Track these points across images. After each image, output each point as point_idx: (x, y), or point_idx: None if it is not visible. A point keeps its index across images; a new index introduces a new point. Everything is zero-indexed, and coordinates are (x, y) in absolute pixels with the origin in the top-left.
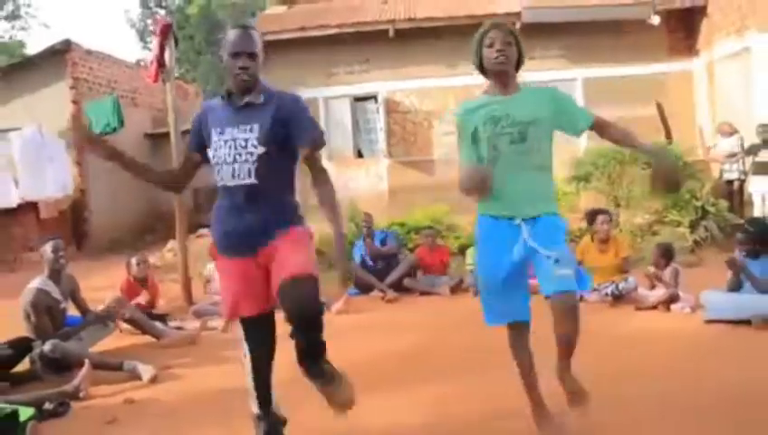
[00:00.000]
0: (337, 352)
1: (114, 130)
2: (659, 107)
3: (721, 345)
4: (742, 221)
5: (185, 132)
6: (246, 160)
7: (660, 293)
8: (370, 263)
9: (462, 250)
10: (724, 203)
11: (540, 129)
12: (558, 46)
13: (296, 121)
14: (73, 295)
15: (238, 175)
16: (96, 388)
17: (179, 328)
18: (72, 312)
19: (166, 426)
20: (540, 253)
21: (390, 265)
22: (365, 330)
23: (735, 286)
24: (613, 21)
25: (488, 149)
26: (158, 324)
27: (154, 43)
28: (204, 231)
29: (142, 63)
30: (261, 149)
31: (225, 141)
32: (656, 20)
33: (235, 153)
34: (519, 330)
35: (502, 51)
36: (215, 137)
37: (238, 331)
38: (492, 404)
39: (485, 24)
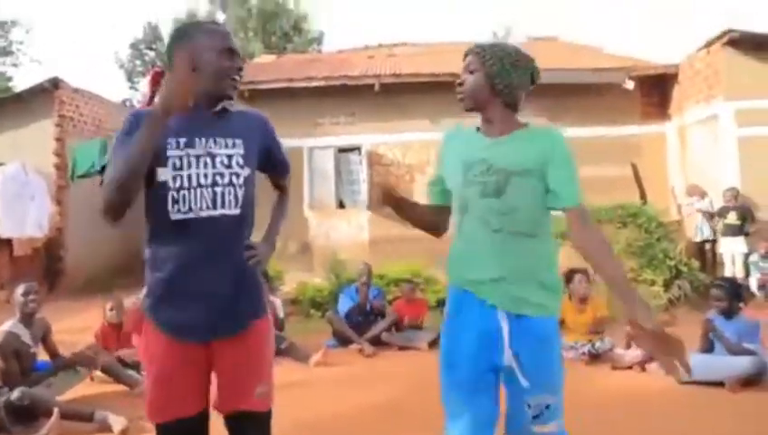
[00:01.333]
0: (315, 405)
1: (99, 172)
2: (634, 168)
3: (696, 406)
4: (714, 281)
5: None
6: (231, 183)
7: (636, 353)
8: (357, 317)
9: (440, 304)
10: (696, 263)
11: (526, 182)
12: (536, 106)
13: (277, 147)
14: (44, 339)
15: (220, 203)
16: None
17: None
18: (43, 356)
19: None
20: (518, 384)
21: (370, 320)
22: (343, 383)
23: (706, 348)
24: (591, 84)
25: (456, 198)
26: (132, 373)
27: (146, 88)
28: None
29: (128, 104)
30: (246, 171)
31: (198, 157)
32: (630, 85)
33: (214, 173)
34: None
35: (459, 83)
36: (172, 151)
37: None
38: None
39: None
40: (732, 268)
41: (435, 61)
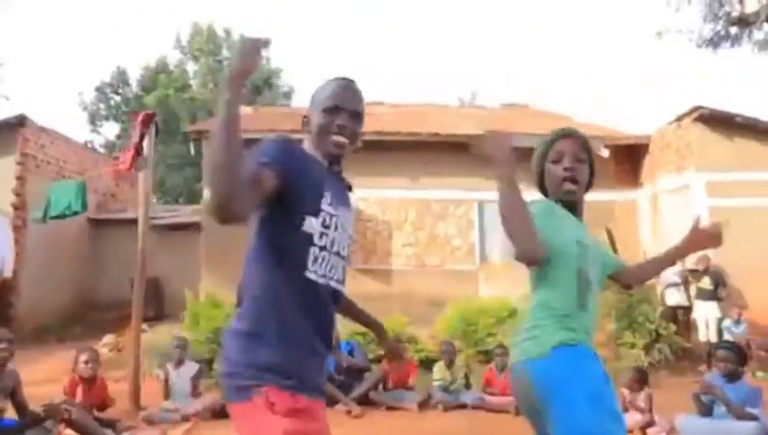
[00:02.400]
0: None
1: (75, 213)
2: (609, 232)
3: None
4: (689, 345)
5: (128, 221)
6: (345, 258)
7: (637, 418)
8: (336, 376)
9: (424, 364)
10: (673, 327)
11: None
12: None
13: None
14: (14, 393)
15: (336, 277)
16: None
17: None
18: (9, 413)
19: None
20: None
21: (353, 377)
22: None
23: (707, 411)
24: None
25: (575, 273)
26: (108, 432)
27: (135, 129)
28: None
29: (90, 146)
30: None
31: (338, 223)
32: (605, 152)
33: (343, 244)
34: None
35: (571, 169)
36: (326, 205)
37: None
38: None
39: (554, 131)
40: (706, 332)
41: (416, 119)
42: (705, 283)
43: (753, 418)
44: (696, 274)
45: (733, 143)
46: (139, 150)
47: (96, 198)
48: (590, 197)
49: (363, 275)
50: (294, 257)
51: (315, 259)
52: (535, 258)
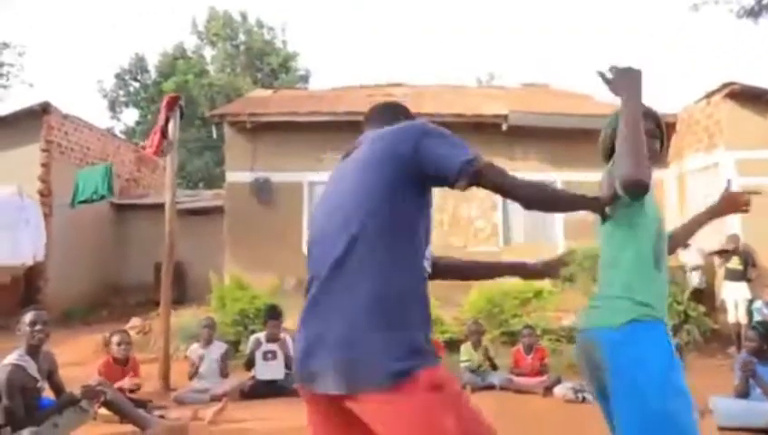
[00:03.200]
0: None
1: (102, 197)
2: None
3: None
4: (717, 326)
5: (151, 206)
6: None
7: None
8: None
9: (449, 346)
10: (701, 308)
11: None
12: (538, 150)
13: None
14: (50, 375)
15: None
16: None
17: (161, 417)
18: (47, 393)
19: None
20: None
21: None
22: None
23: (744, 392)
24: (592, 129)
25: (649, 247)
26: (142, 412)
27: (160, 114)
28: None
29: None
30: None
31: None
32: None
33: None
34: None
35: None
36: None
37: None
38: None
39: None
40: (735, 313)
41: (440, 101)
42: (735, 262)
43: None
44: (725, 254)
45: (765, 120)
46: (164, 134)
47: (119, 183)
48: None
49: None
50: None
51: (419, 243)
52: (645, 183)
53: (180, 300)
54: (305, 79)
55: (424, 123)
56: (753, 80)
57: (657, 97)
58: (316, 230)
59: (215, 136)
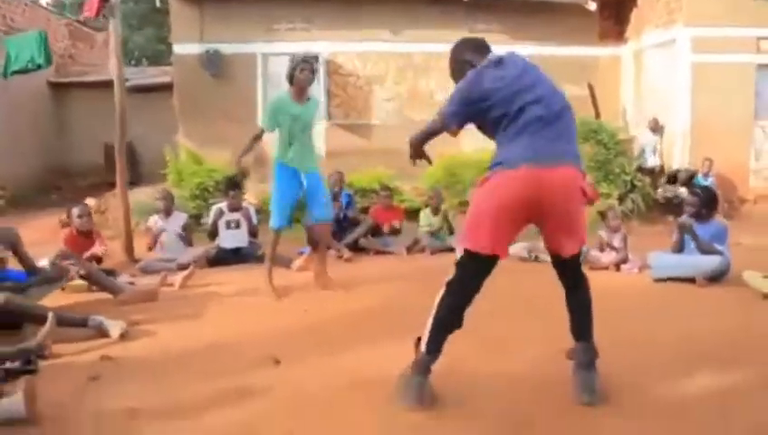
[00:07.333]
0: (313, 308)
1: (39, 66)
2: (591, 88)
3: (669, 299)
4: (660, 199)
5: (92, 84)
6: None
7: (612, 255)
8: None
9: (408, 214)
10: (647, 179)
11: None
12: (499, 23)
13: None
14: (15, 249)
15: None
16: (60, 346)
17: (131, 284)
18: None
19: (156, 381)
20: None
21: (344, 228)
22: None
23: (679, 248)
24: (554, 3)
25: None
26: (112, 279)
27: None
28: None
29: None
30: None
31: None
32: (592, 6)
33: None
34: None
35: None
36: None
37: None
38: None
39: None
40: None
41: None
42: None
43: (718, 253)
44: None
45: None
46: None
47: (55, 59)
48: (573, 52)
49: (344, 131)
50: None
51: None
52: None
53: (134, 181)
54: None
55: None
56: None
57: None
58: (543, 92)
59: (158, 4)
